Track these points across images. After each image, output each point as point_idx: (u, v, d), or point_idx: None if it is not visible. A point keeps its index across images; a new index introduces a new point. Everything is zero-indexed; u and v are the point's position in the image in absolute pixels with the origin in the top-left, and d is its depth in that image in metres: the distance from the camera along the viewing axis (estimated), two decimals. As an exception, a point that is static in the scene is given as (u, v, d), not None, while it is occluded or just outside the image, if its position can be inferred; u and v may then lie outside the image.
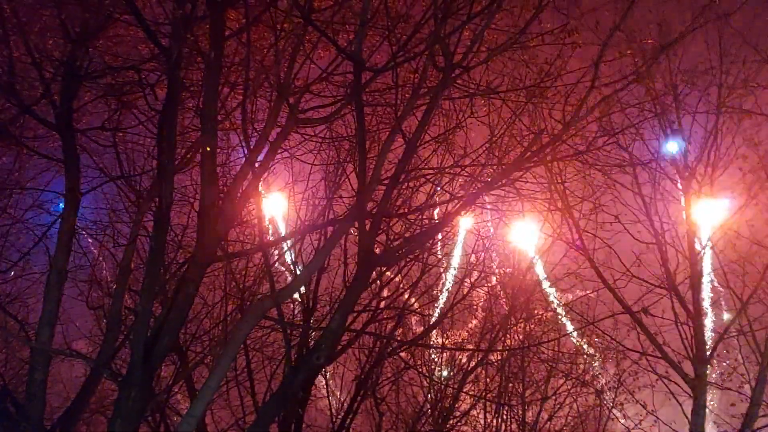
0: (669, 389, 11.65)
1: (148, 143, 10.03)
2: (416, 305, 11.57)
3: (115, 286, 9.51)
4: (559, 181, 10.69)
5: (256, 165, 8.58)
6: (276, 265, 11.71)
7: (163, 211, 8.03)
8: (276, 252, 11.05)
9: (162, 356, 8.10)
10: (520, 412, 12.38)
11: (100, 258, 10.40)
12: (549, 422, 12.71)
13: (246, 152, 8.81)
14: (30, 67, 9.35)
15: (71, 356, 9.57)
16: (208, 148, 8.26)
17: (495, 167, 9.34)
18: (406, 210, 9.63)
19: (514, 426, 12.33)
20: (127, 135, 10.13)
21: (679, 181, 11.79)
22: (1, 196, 10.06)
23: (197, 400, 7.87)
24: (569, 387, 12.61)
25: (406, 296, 11.28)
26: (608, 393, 12.82)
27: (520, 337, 12.21)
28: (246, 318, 8.30)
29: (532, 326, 12.20)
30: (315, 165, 11.04)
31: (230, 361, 8.43)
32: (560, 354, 12.08)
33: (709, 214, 11.79)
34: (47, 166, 10.27)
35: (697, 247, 11.63)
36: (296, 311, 12.21)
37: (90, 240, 10.63)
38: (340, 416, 11.63)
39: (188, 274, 8.13)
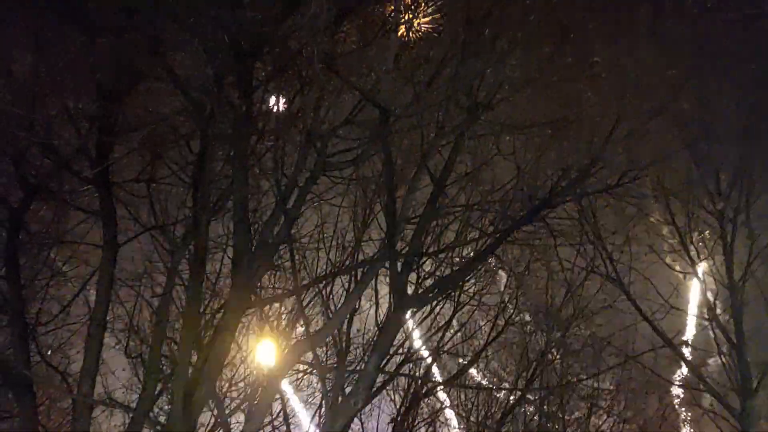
0: (716, 424, 11.26)
1: (181, 193, 10.24)
2: (450, 344, 11.44)
3: (152, 335, 9.62)
4: (590, 214, 10.61)
5: (287, 210, 8.73)
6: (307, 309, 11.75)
7: (198, 260, 8.17)
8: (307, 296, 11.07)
9: (201, 404, 8.15)
10: (562, 451, 12.04)
11: (138, 307, 10.54)
12: (593, 461, 12.33)
13: (277, 198, 8.99)
14: (66, 123, 9.72)
15: (112, 406, 9.66)
16: (240, 196, 8.45)
17: (524, 203, 9.34)
18: (436, 249, 9.64)
19: (556, 465, 11.99)
20: (161, 186, 10.36)
21: (712, 208, 11.62)
22: (41, 250, 10.32)
23: (237, 447, 7.88)
24: (611, 424, 12.26)
25: (440, 335, 11.19)
26: (652, 429, 12.43)
27: (558, 373, 11.96)
28: (282, 363, 8.33)
29: (571, 362, 11.95)
30: (343, 207, 11.16)
31: (269, 406, 8.45)
32: (600, 390, 11.77)
33: (747, 240, 11.57)
34: (84, 218, 10.54)
35: (736, 275, 11.38)
36: (329, 354, 12.17)
37: (128, 290, 10.78)
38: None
39: (224, 321, 8.23)
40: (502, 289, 11.28)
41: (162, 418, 10.06)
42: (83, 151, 9.39)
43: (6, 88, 9.33)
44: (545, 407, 11.93)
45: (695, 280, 11.45)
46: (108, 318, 9.29)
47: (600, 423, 12.16)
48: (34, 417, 8.77)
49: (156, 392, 9.47)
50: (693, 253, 11.43)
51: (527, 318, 11.65)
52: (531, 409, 11.99)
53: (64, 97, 9.34)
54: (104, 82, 9.48)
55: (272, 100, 9.76)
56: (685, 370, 11.52)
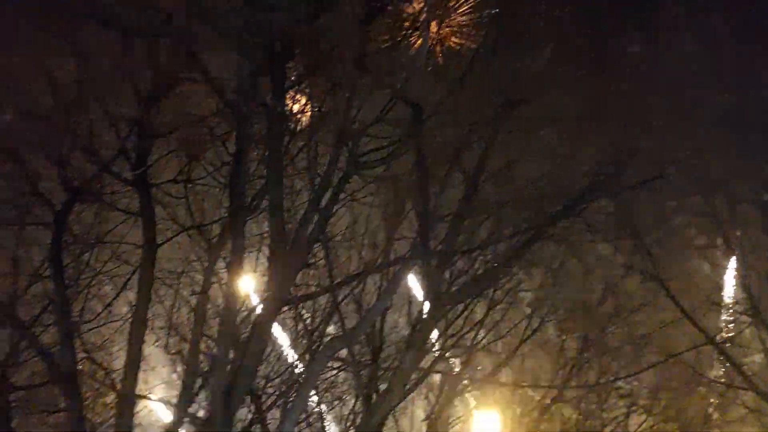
0: (761, 422, 10.95)
1: (217, 193, 10.43)
2: (484, 342, 11.39)
3: (191, 333, 9.82)
4: (628, 209, 10.41)
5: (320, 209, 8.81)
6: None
7: (235, 258, 8.32)
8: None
9: (240, 400, 8.30)
10: (601, 450, 11.89)
11: (177, 306, 10.77)
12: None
13: (310, 197, 9.08)
14: (106, 127, 9.99)
15: (154, 401, 9.90)
16: (274, 196, 8.57)
17: (559, 199, 9.23)
18: (469, 247, 9.60)
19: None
20: (197, 186, 10.56)
21: (756, 200, 11.28)
22: (83, 250, 10.61)
23: (274, 442, 7.99)
24: (652, 423, 12.04)
25: (474, 333, 11.15)
26: (694, 429, 12.15)
27: (596, 372, 11.80)
28: (318, 359, 8.43)
29: (609, 360, 11.77)
30: (374, 206, 11.21)
31: (305, 402, 8.57)
32: (640, 389, 11.56)
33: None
34: (124, 219, 10.81)
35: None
36: (362, 351, 12.23)
37: (167, 288, 11.01)
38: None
39: (261, 318, 8.35)
40: (537, 286, 11.16)
41: (201, 414, 10.28)
42: (123, 154, 9.64)
43: (48, 94, 9.64)
44: (582, 406, 11.79)
45: (737, 275, 11.13)
46: (148, 316, 9.51)
47: (641, 422, 11.95)
48: (80, 412, 9.03)
49: (196, 388, 9.69)
50: (735, 247, 11.11)
51: (563, 316, 11.52)
52: (568, 408, 11.85)
53: (104, 101, 9.60)
54: (142, 86, 9.73)
55: (304, 100, 9.87)
56: (727, 368, 11.20)
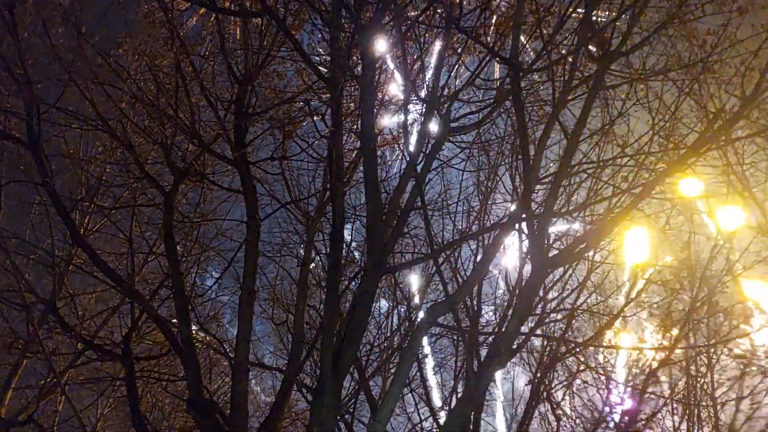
0: None
1: (312, 168, 10.67)
2: (586, 305, 11.14)
3: (295, 304, 10.17)
4: (737, 161, 9.81)
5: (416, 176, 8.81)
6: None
7: (337, 229, 8.49)
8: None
9: (348, 367, 8.53)
10: (713, 413, 11.46)
11: (280, 278, 11.18)
12: (747, 423, 11.63)
13: (404, 165, 9.11)
14: (206, 109, 10.40)
15: (266, 369, 10.37)
16: (369, 166, 8.65)
17: (663, 154, 8.82)
18: (569, 208, 9.37)
19: (706, 429, 11.43)
20: (292, 162, 10.84)
21: None
22: (192, 228, 11.18)
23: (383, 406, 8.15)
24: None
25: (575, 296, 10.93)
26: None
27: (706, 333, 11.32)
28: (420, 325, 8.51)
29: (720, 320, 11.26)
30: (467, 171, 11.12)
31: (410, 367, 8.69)
32: (755, 349, 11.01)
33: None
34: (227, 197, 11.28)
35: None
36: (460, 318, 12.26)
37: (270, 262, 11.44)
38: (515, 422, 11.50)
39: (364, 286, 8.52)
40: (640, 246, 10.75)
41: (308, 381, 10.69)
42: (223, 134, 10.02)
43: (150, 80, 10.14)
44: (692, 369, 11.37)
45: None
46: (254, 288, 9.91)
47: (756, 383, 11.41)
48: (198, 379, 9.58)
49: (302, 356, 10.06)
50: None
51: (669, 276, 11.08)
52: (677, 370, 11.47)
53: (203, 83, 9.98)
54: (237, 67, 10.04)
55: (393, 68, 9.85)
56: None
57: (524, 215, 8.06)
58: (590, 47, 8.14)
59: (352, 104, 10.15)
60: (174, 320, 10.05)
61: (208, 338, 10.56)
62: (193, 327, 10.18)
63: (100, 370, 12.57)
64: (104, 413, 13.63)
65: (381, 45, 9.32)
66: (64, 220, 9.69)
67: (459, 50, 9.73)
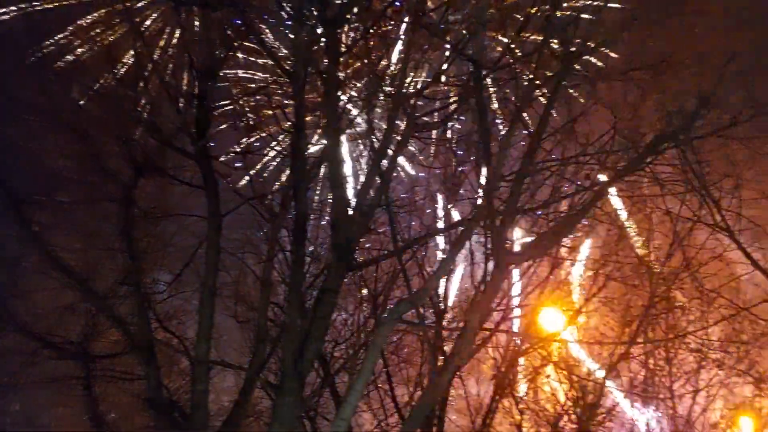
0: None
1: (277, 163, 10.55)
2: (548, 301, 11.28)
3: (258, 301, 10.04)
4: (695, 160, 10.02)
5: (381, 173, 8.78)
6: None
7: (299, 225, 8.40)
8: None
9: (310, 364, 8.47)
10: (671, 405, 11.74)
11: (243, 275, 11.01)
12: (703, 415, 11.95)
13: (371, 161, 9.06)
14: (166, 102, 10.15)
15: (227, 367, 10.21)
16: (334, 162, 8.58)
17: (624, 153, 8.95)
18: (534, 205, 9.45)
19: (665, 421, 11.70)
20: (256, 157, 10.69)
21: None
22: (151, 224, 10.91)
23: (346, 403, 8.13)
24: (723, 378, 11.78)
25: (537, 292, 11.05)
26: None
27: (664, 327, 11.57)
28: (385, 322, 8.49)
29: (677, 316, 11.52)
30: (434, 168, 11.15)
31: (374, 364, 8.68)
32: (711, 343, 11.29)
33: None
34: (188, 192, 11.03)
35: None
36: (426, 313, 12.30)
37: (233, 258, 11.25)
38: (479, 415, 11.59)
39: (328, 283, 8.46)
40: (602, 243, 10.94)
41: (271, 378, 10.57)
42: (183, 128, 9.80)
43: (110, 72, 9.85)
44: (651, 362, 11.62)
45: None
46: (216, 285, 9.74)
47: (711, 377, 11.71)
48: (158, 378, 9.40)
49: (266, 354, 9.94)
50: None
51: (629, 272, 11.27)
52: (636, 364, 11.70)
53: (163, 76, 9.75)
54: (198, 60, 9.82)
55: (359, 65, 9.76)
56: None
57: (487, 212, 8.10)
58: (553, 46, 8.20)
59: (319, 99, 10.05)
60: (133, 318, 9.84)
61: (167, 336, 10.35)
62: (153, 325, 9.98)
63: (57, 369, 12.20)
64: (61, 413, 13.26)
65: (346, 40, 9.26)
66: (16, 215, 9.37)
67: (425, 47, 9.72)
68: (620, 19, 7.96)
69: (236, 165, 10.41)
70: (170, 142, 9.87)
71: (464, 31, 8.12)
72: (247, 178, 10.29)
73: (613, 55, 8.84)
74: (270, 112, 9.99)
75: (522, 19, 8.39)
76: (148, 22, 10.55)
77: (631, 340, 11.05)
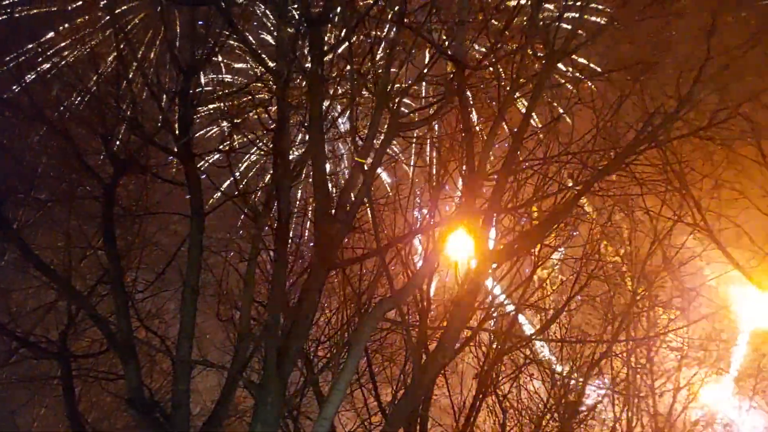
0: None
1: (260, 161, 10.51)
2: (532, 299, 11.34)
3: (241, 299, 9.99)
4: (675, 160, 10.13)
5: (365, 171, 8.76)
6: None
7: (282, 224, 8.37)
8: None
9: (293, 363, 8.43)
10: (651, 403, 11.84)
11: (226, 273, 10.95)
12: (684, 413, 12.08)
13: (354, 160, 9.04)
14: (149, 100, 10.08)
15: (210, 366, 10.15)
16: (317, 160, 8.55)
17: (605, 153, 9.02)
18: (516, 204, 9.50)
19: (645, 419, 11.81)
20: (240, 155, 10.65)
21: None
22: (133, 222, 10.83)
23: (328, 402, 8.10)
24: (703, 376, 11.93)
25: (521, 290, 11.09)
26: (748, 380, 12.01)
27: (645, 326, 11.69)
28: (368, 320, 8.49)
29: (659, 314, 11.64)
30: (418, 166, 11.16)
31: (356, 363, 8.65)
32: (691, 341, 11.42)
33: None
34: (171, 190, 10.97)
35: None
36: (410, 312, 12.31)
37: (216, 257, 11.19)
38: (462, 414, 11.61)
39: (310, 282, 8.43)
40: (584, 242, 11.02)
41: (254, 378, 10.52)
42: (166, 126, 9.73)
43: (92, 69, 9.76)
44: (632, 360, 11.72)
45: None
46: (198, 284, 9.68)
47: (692, 375, 11.85)
48: (138, 378, 9.30)
49: (248, 353, 9.90)
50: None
51: (611, 270, 11.36)
52: (618, 362, 11.79)
53: (146, 73, 9.67)
54: (181, 57, 9.76)
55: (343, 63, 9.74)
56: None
57: (470, 210, 8.12)
58: (536, 46, 8.25)
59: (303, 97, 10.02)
60: (114, 317, 9.75)
61: (148, 335, 10.27)
62: (134, 324, 9.89)
63: (36, 368, 12.08)
64: (40, 413, 13.12)
65: (330, 38, 9.24)
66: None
67: (410, 46, 9.72)
68: (599, 22, 8.03)
69: (219, 164, 10.33)
70: (153, 139, 9.80)
71: (445, 35, 8.13)
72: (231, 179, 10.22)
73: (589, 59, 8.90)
74: (253, 112, 9.94)
75: (505, 19, 8.44)
76: (131, 18, 10.43)
77: (613, 338, 11.14)
